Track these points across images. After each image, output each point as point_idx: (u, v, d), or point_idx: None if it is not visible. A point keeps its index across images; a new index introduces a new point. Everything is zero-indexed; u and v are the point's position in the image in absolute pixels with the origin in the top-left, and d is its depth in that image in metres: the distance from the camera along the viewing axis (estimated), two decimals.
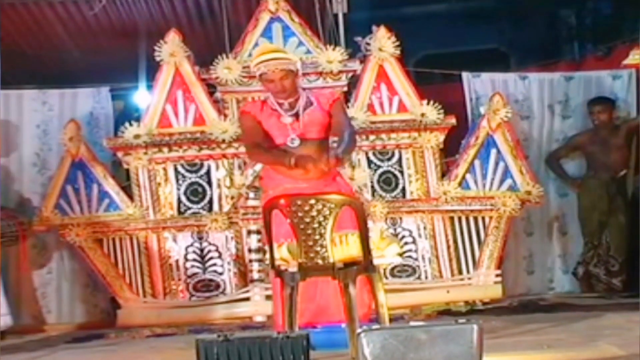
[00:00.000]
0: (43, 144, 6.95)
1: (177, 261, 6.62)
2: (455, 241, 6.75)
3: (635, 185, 7.16)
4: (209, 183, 6.70)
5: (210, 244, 6.64)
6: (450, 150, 7.05)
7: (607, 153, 7.11)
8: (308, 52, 6.79)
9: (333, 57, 6.76)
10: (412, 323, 3.87)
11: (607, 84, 7.45)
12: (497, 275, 6.72)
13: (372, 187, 6.75)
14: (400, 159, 6.81)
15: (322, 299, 4.93)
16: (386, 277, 6.31)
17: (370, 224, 5.07)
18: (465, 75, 7.32)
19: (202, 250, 6.65)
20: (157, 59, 6.72)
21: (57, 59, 8.64)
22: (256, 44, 6.76)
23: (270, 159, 5.05)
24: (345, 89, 6.84)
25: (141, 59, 8.07)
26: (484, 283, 6.70)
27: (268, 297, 6.25)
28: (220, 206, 6.66)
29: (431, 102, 6.78)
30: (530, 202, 6.81)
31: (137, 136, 6.62)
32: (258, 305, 6.47)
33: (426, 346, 3.60)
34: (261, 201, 5.28)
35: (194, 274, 6.61)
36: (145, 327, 6.34)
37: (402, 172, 6.80)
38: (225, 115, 6.71)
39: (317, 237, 4.44)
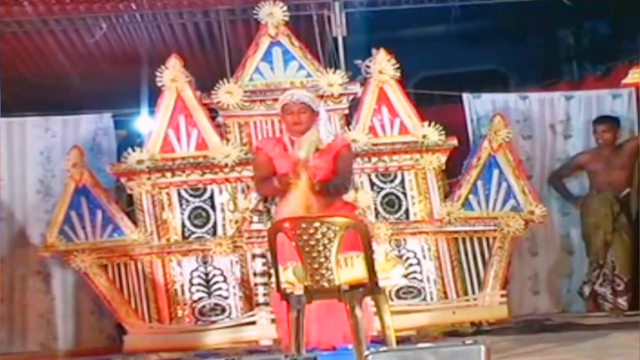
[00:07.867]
0: (46, 170, 6.98)
1: (182, 286, 6.62)
2: (459, 262, 6.75)
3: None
4: (213, 207, 6.70)
5: (215, 268, 6.63)
6: (452, 171, 7.06)
7: (610, 172, 7.09)
8: (308, 75, 6.82)
9: (334, 80, 6.78)
10: (419, 345, 3.86)
11: (608, 103, 7.46)
12: (502, 296, 6.71)
13: (376, 209, 6.76)
14: (403, 181, 6.82)
15: (329, 322, 4.93)
16: (391, 299, 6.30)
17: (374, 245, 5.08)
18: (465, 96, 7.34)
19: (207, 274, 6.64)
20: (159, 84, 6.74)
21: (59, 86, 8.67)
22: (257, 68, 6.81)
23: (269, 188, 5.27)
24: (347, 111, 6.87)
25: (143, 85, 8.12)
26: (489, 304, 6.69)
27: (274, 321, 6.25)
28: (225, 230, 6.67)
29: (432, 124, 6.80)
30: (533, 221, 6.81)
31: (140, 161, 6.62)
32: (264, 329, 6.44)
33: None
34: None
35: (200, 298, 6.61)
36: (152, 352, 6.33)
37: (405, 194, 6.81)
38: (228, 140, 6.73)
39: (322, 259, 4.45)
